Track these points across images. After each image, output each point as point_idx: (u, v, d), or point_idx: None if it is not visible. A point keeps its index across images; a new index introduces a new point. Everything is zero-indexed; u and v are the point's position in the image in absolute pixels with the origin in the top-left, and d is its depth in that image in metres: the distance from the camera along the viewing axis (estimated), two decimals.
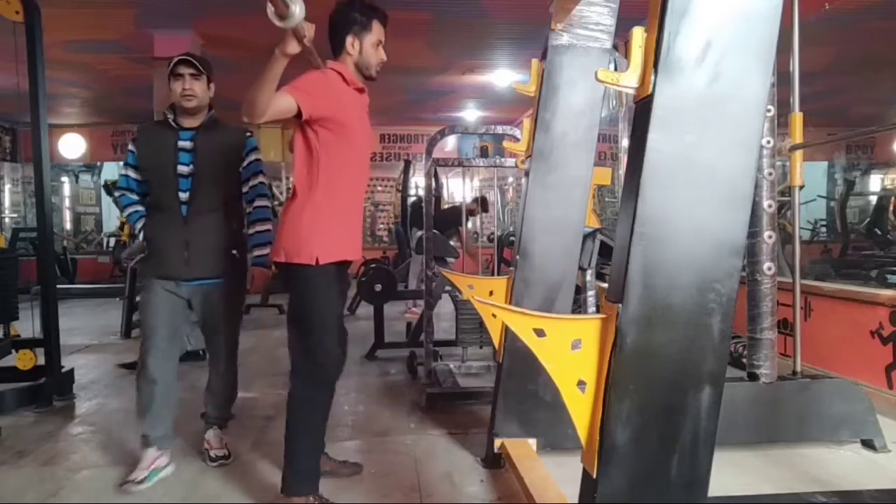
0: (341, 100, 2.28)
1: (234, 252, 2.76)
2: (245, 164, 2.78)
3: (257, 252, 2.77)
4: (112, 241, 10.52)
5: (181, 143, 2.66)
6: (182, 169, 2.65)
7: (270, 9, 1.73)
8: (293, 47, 1.93)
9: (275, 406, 3.69)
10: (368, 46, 2.35)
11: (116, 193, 2.88)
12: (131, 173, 2.78)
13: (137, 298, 2.83)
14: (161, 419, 2.66)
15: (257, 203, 2.79)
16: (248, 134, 2.82)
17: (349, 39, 2.33)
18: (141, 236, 2.78)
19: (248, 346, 5.58)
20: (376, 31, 2.36)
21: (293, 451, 2.32)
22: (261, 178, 2.82)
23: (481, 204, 7.03)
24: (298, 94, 2.12)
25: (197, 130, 2.69)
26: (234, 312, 2.87)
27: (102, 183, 11.18)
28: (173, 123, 2.69)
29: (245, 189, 2.78)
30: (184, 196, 2.65)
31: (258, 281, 2.84)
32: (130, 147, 2.77)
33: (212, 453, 2.82)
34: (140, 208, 2.77)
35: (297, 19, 1.78)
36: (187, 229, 2.64)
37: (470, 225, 8.86)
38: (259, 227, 2.79)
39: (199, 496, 2.53)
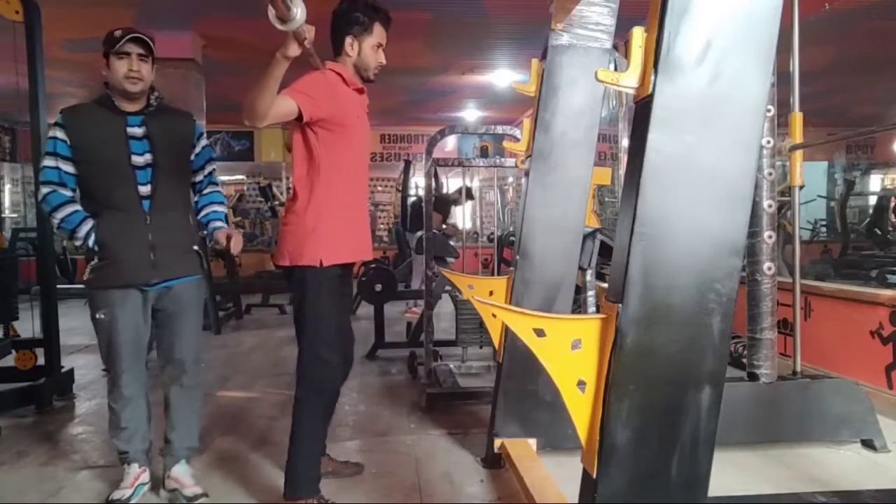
0: (341, 101, 2.28)
1: (196, 248, 2.52)
2: (197, 151, 2.52)
3: (214, 225, 2.51)
4: None
5: (130, 130, 2.33)
6: (137, 160, 2.33)
7: (272, 12, 1.73)
8: (294, 50, 1.92)
9: (277, 406, 3.70)
10: (367, 49, 2.34)
11: (45, 190, 2.31)
12: (63, 165, 2.31)
13: (98, 315, 2.35)
14: (139, 435, 2.48)
15: (209, 189, 2.56)
16: (194, 118, 2.61)
17: (348, 41, 2.33)
18: (90, 242, 2.30)
19: (249, 346, 5.58)
20: (377, 34, 2.35)
21: (294, 455, 2.32)
22: (213, 166, 2.60)
23: (465, 194, 7.06)
24: (299, 96, 2.12)
25: (145, 115, 2.37)
26: (198, 314, 2.58)
27: None
28: (117, 107, 2.35)
29: (199, 178, 2.55)
30: (144, 190, 2.34)
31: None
32: (58, 134, 2.32)
33: (186, 492, 2.43)
34: (80, 208, 2.33)
35: (298, 22, 1.79)
36: (151, 228, 2.34)
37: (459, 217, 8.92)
38: (216, 207, 2.55)
39: (190, 479, 2.52)
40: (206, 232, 2.53)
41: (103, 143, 2.32)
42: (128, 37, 2.28)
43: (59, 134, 2.32)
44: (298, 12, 1.77)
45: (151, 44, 2.34)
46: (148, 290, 2.38)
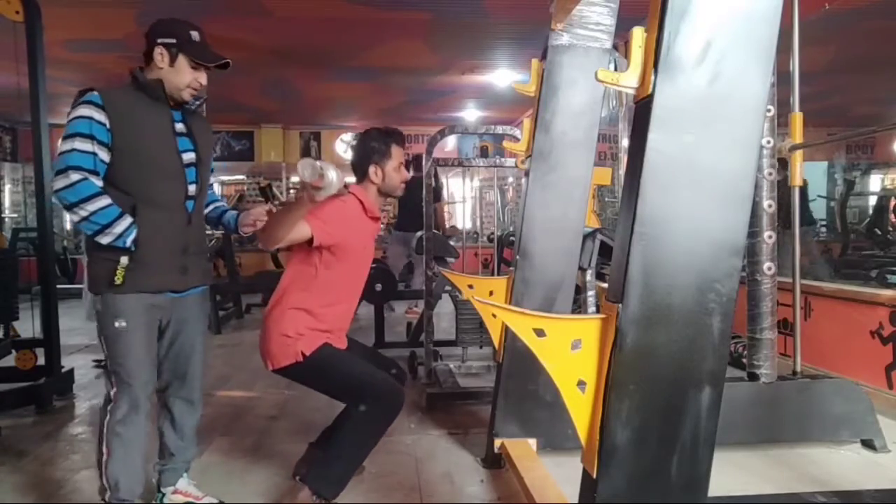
0: (354, 231, 2.37)
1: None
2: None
3: (231, 214, 2.46)
4: None
5: (177, 125, 2.18)
6: (186, 157, 2.18)
7: (308, 172, 1.88)
8: (322, 197, 2.02)
9: (277, 406, 3.70)
10: (391, 171, 2.45)
11: (75, 177, 1.98)
12: (101, 152, 2.03)
13: (118, 324, 2.08)
14: (141, 473, 2.18)
15: (220, 203, 2.52)
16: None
17: (372, 169, 2.43)
18: (128, 241, 2.03)
19: (249, 346, 5.58)
20: (396, 155, 2.46)
21: (340, 457, 2.29)
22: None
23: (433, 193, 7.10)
24: (316, 223, 2.21)
25: (183, 112, 2.22)
26: (206, 325, 2.45)
27: None
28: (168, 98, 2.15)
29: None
30: (192, 190, 2.20)
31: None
32: (95, 115, 2.02)
33: (204, 502, 2.37)
34: (113, 203, 2.04)
35: (333, 188, 1.93)
36: (190, 230, 2.21)
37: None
38: (220, 203, 2.50)
39: (196, 490, 2.52)
40: (224, 223, 2.45)
41: (152, 134, 2.11)
42: (221, 63, 2.15)
43: (98, 115, 2.02)
44: (333, 177, 1.91)
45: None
46: (175, 297, 2.20)
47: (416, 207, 4.66)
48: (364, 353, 2.58)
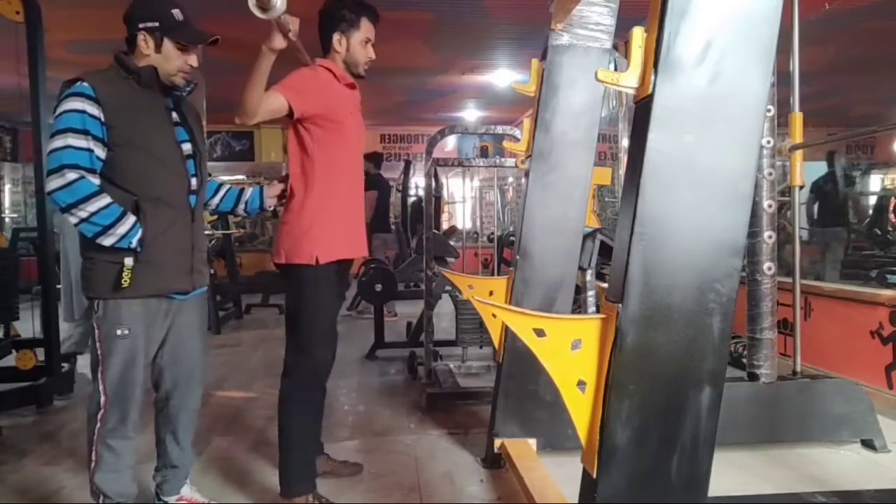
0: (332, 96, 2.28)
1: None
2: None
3: (249, 193, 2.40)
4: None
5: (172, 115, 2.06)
6: (185, 148, 2.06)
7: (251, 0, 1.71)
8: (279, 41, 1.92)
9: (276, 406, 3.68)
10: (356, 44, 2.33)
11: (71, 175, 1.84)
12: (96, 148, 1.90)
13: (120, 331, 1.98)
14: (133, 480, 2.13)
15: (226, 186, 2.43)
16: None
17: (336, 37, 2.32)
18: (133, 241, 1.91)
19: (249, 346, 5.58)
20: (365, 29, 2.34)
21: (287, 452, 2.33)
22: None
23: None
24: (289, 92, 2.12)
25: (174, 99, 2.08)
26: (205, 328, 2.34)
27: None
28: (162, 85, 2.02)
29: None
30: (194, 184, 2.08)
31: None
32: (88, 108, 1.87)
33: None
34: (114, 202, 1.91)
35: (278, 10, 1.75)
36: (194, 227, 2.09)
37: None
38: (226, 188, 2.43)
39: (200, 496, 2.52)
40: (248, 202, 2.39)
41: (150, 125, 1.99)
42: (208, 41, 2.03)
43: (91, 108, 1.88)
44: (278, 1, 1.74)
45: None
46: (180, 299, 2.09)
47: (385, 210, 4.69)
48: (339, 300, 2.56)
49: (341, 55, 2.34)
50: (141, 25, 1.98)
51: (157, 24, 1.97)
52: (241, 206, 2.42)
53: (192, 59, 2.03)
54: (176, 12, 1.99)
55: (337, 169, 2.30)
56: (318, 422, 2.48)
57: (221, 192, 2.41)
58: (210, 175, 2.38)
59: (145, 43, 1.98)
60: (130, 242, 1.92)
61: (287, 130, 2.31)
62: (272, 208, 2.39)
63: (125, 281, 1.91)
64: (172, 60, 1.99)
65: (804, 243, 9.50)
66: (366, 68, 2.40)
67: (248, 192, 2.43)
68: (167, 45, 1.98)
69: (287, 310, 2.39)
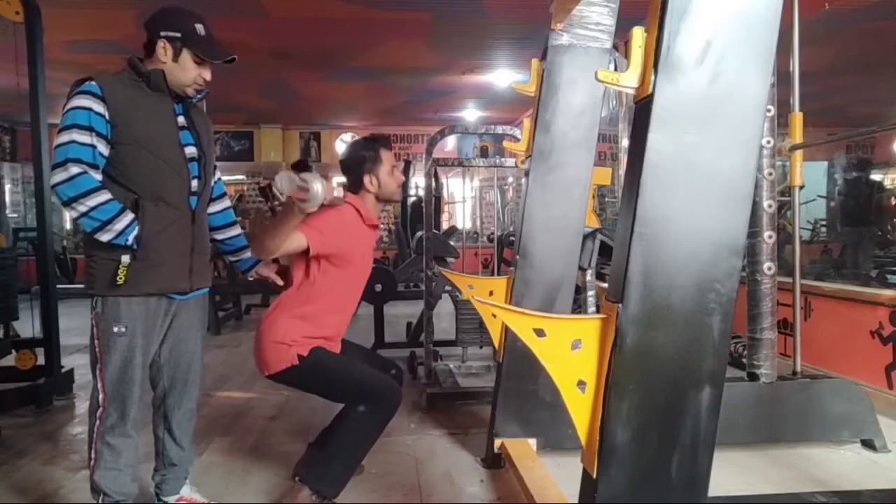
0: (352, 239, 2.36)
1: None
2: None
3: (247, 254, 2.43)
4: None
5: (178, 118, 2.10)
6: (188, 151, 2.09)
7: (297, 205, 1.87)
8: (312, 209, 2.00)
9: (276, 407, 3.70)
10: (385, 177, 2.43)
11: (75, 170, 1.88)
12: (100, 145, 1.93)
13: (117, 328, 2.01)
14: (135, 478, 2.14)
15: (221, 205, 2.40)
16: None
17: (367, 179, 2.42)
18: (130, 238, 1.93)
19: (248, 347, 5.57)
20: (387, 159, 2.44)
21: (338, 456, 2.29)
22: (219, 172, 2.40)
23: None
24: (311, 232, 2.18)
25: (184, 105, 2.13)
26: (204, 329, 2.33)
27: None
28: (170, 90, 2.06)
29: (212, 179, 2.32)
30: (195, 186, 2.10)
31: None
32: (94, 106, 1.91)
33: None
34: (113, 198, 1.94)
35: (320, 199, 1.89)
36: (195, 228, 2.12)
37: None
38: (237, 230, 2.45)
39: (200, 496, 2.52)
40: (236, 261, 2.45)
41: (154, 126, 2.01)
42: (226, 59, 2.06)
43: (96, 106, 1.91)
44: (318, 188, 1.87)
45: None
46: (179, 299, 2.12)
47: None
48: (361, 355, 2.57)
49: (373, 193, 2.43)
50: (163, 34, 2.00)
51: (178, 34, 2.00)
52: (234, 258, 2.46)
53: (207, 73, 2.07)
54: (199, 27, 2.03)
55: (329, 295, 2.34)
56: (374, 442, 2.41)
57: (230, 233, 2.42)
58: (226, 195, 2.43)
59: (164, 50, 2.00)
60: (127, 239, 1.93)
61: (295, 254, 2.32)
62: (252, 279, 2.45)
63: (120, 278, 1.93)
64: (188, 72, 2.02)
65: (824, 241, 9.64)
66: (400, 192, 2.52)
67: (248, 252, 2.43)
68: (185, 56, 2.01)
69: (324, 396, 2.44)
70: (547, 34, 2.61)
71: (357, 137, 2.52)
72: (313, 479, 2.27)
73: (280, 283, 2.39)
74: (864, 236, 7.80)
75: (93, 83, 1.95)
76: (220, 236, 2.40)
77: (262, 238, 2.10)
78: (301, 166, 7.32)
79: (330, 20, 5.70)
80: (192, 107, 2.17)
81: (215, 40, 2.08)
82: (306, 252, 2.21)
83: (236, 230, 2.44)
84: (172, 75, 2.02)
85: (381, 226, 12.30)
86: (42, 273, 3.89)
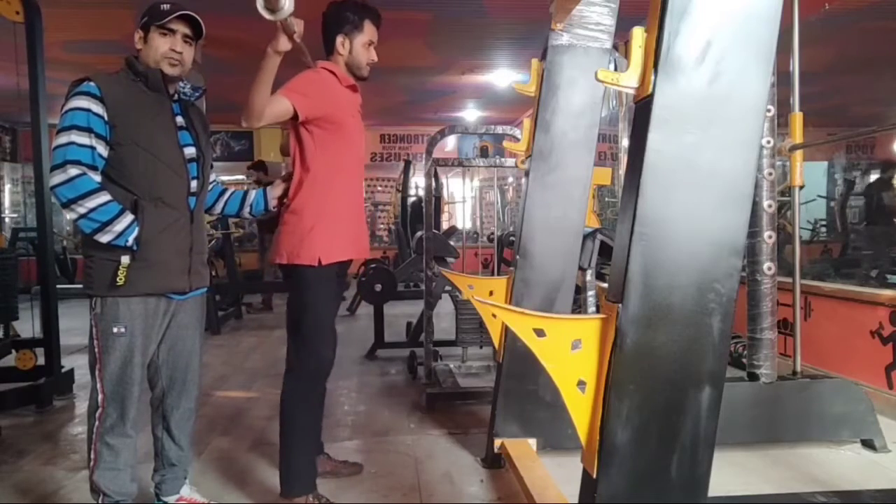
0: (335, 98, 2.29)
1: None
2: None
3: (253, 195, 2.43)
4: None
5: (177, 119, 2.10)
6: (188, 152, 2.10)
7: (260, 1, 1.72)
8: (284, 44, 1.93)
9: (276, 406, 3.65)
10: (359, 46, 2.35)
11: (73, 171, 1.88)
12: (98, 146, 1.93)
13: (116, 329, 2.01)
14: (133, 477, 2.13)
15: (212, 179, 2.38)
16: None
17: (339, 39, 2.34)
18: (129, 239, 1.93)
19: (249, 346, 5.58)
20: (368, 32, 2.36)
21: (287, 452, 2.34)
22: (215, 173, 2.41)
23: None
24: (294, 95, 2.13)
25: (182, 105, 2.14)
26: (203, 330, 2.33)
27: None
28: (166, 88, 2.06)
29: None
30: (194, 186, 2.11)
31: (278, 189, 2.40)
32: (92, 107, 1.92)
33: None
34: (113, 199, 1.94)
35: (286, 12, 1.77)
36: (193, 228, 2.12)
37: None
38: (230, 191, 2.45)
39: (199, 496, 2.52)
40: (252, 205, 2.41)
41: (153, 126, 2.02)
42: (176, 13, 2.00)
43: (95, 107, 1.92)
44: (286, 2, 1.75)
45: (202, 25, 2.07)
46: (178, 299, 2.12)
47: None
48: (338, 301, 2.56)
49: (344, 57, 2.36)
50: (138, 25, 2.04)
51: (146, 18, 2.03)
52: (247, 209, 2.43)
53: (178, 44, 2.03)
54: (165, 6, 2.02)
55: (338, 169, 2.30)
56: (319, 421, 2.48)
57: (226, 196, 2.43)
58: (214, 181, 2.40)
59: (139, 38, 2.03)
60: (127, 240, 1.94)
61: (290, 135, 2.31)
62: (276, 208, 2.40)
63: (120, 279, 1.94)
64: (158, 47, 2.01)
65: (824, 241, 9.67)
66: (368, 70, 2.41)
67: (252, 194, 2.45)
68: (152, 33, 2.02)
69: (289, 309, 2.38)
70: (547, 34, 2.61)
71: None
72: (284, 487, 2.33)
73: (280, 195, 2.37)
74: (881, 234, 7.93)
75: (91, 83, 1.95)
76: (221, 204, 2.41)
77: (247, 100, 2.02)
78: (259, 167, 7.28)
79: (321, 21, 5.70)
80: (190, 106, 2.18)
81: (176, 8, 2.03)
82: (296, 120, 2.17)
83: (229, 191, 2.44)
84: (146, 57, 2.03)
85: (381, 226, 12.33)
86: (42, 273, 3.89)
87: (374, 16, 2.38)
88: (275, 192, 2.40)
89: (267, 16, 1.77)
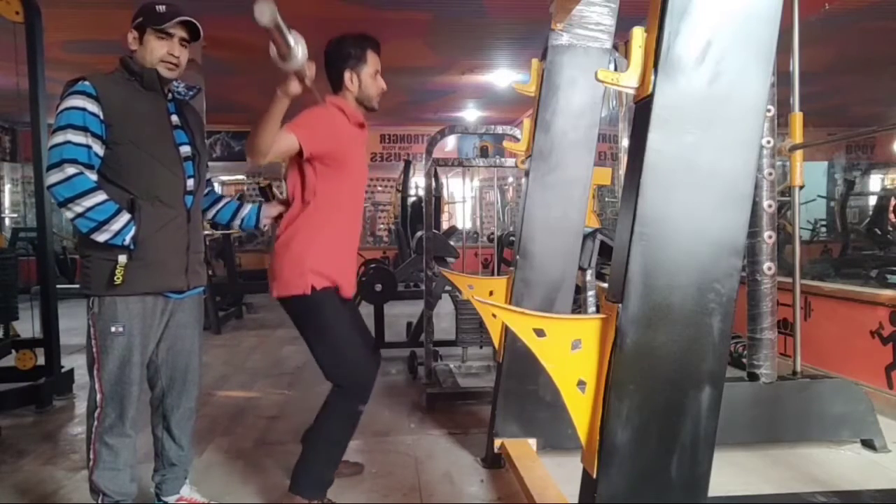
0: (341, 136, 2.29)
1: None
2: None
3: (247, 210, 2.43)
4: None
5: (172, 117, 2.10)
6: (183, 150, 2.10)
7: (273, 50, 1.74)
8: (295, 88, 1.95)
9: (277, 406, 3.70)
10: (367, 78, 2.35)
11: (71, 170, 1.88)
12: (95, 145, 1.93)
13: (115, 328, 2.00)
14: (134, 477, 2.13)
15: (208, 187, 2.37)
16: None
17: (347, 75, 2.33)
18: (127, 238, 1.93)
19: (249, 346, 5.58)
20: (372, 62, 2.36)
21: (315, 456, 2.30)
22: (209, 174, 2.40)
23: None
24: (300, 131, 2.14)
25: (177, 104, 2.14)
26: (201, 329, 2.33)
27: None
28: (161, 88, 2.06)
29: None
30: (191, 185, 2.11)
31: (271, 209, 2.39)
32: (88, 106, 1.91)
33: None
34: (110, 198, 1.94)
35: (299, 62, 1.80)
36: (190, 227, 2.12)
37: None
38: (226, 199, 2.44)
39: (200, 496, 2.53)
40: (241, 221, 2.41)
41: (149, 125, 2.02)
42: (176, 19, 1.99)
43: (91, 106, 1.91)
44: (300, 51, 1.77)
45: (199, 28, 2.07)
46: (176, 298, 2.12)
47: None
48: (359, 326, 2.52)
49: (353, 92, 2.35)
50: (133, 25, 2.03)
51: (141, 19, 2.01)
52: (237, 221, 2.43)
53: (175, 48, 2.03)
54: (160, 7, 2.01)
55: (335, 206, 2.30)
56: (351, 435, 2.40)
57: (220, 205, 2.42)
58: (210, 180, 2.39)
59: (133, 40, 2.03)
60: (124, 240, 1.93)
61: (289, 165, 2.30)
62: (266, 228, 2.41)
63: (118, 278, 1.94)
64: (155, 51, 2.01)
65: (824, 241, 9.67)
66: (379, 100, 2.42)
67: (247, 208, 2.44)
68: (148, 35, 2.01)
69: (307, 341, 2.36)
70: (547, 34, 2.61)
71: (345, 34, 2.38)
72: (295, 485, 2.29)
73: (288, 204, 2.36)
74: None
75: (86, 83, 1.95)
76: (214, 210, 2.40)
77: (251, 137, 2.03)
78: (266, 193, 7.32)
79: (330, 20, 5.70)
80: (184, 105, 2.18)
81: (174, 13, 2.02)
82: (300, 157, 2.17)
83: (224, 199, 2.44)
84: (142, 59, 2.02)
85: (381, 226, 12.33)
86: (42, 273, 3.89)
87: (375, 45, 2.38)
88: (269, 211, 2.40)
89: (280, 65, 1.79)
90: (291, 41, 1.75)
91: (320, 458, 2.30)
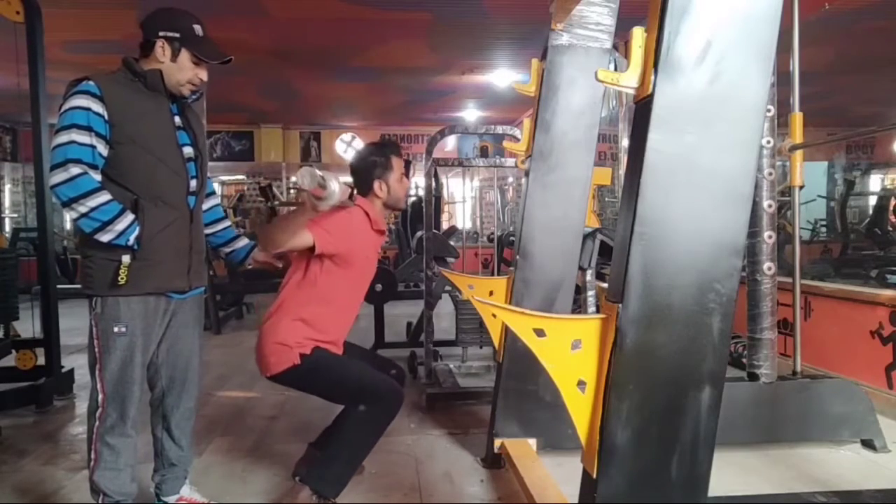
0: (358, 242, 2.36)
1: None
2: None
3: (241, 244, 2.44)
4: None
5: (175, 119, 2.11)
6: (186, 151, 2.11)
7: (310, 201, 1.93)
8: (324, 207, 2.07)
9: (277, 406, 3.70)
10: (394, 183, 2.45)
11: (75, 170, 1.86)
12: (99, 145, 1.92)
13: (117, 328, 2.00)
14: (133, 477, 2.12)
15: (212, 202, 2.39)
16: None
17: (377, 184, 2.43)
18: (130, 238, 1.93)
19: (249, 346, 5.57)
20: (396, 166, 2.46)
21: (339, 456, 2.29)
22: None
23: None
24: (319, 231, 2.19)
25: (179, 104, 2.15)
26: (201, 329, 2.33)
27: None
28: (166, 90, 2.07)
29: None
30: (193, 185, 2.12)
31: (267, 258, 2.40)
32: (93, 106, 1.90)
33: None
34: (113, 198, 1.93)
35: (336, 197, 1.98)
36: (193, 227, 2.13)
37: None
38: (227, 223, 2.45)
39: (200, 496, 2.53)
40: (230, 252, 2.42)
41: (153, 126, 2.02)
42: (223, 60, 2.08)
43: (95, 106, 1.90)
44: (335, 187, 1.95)
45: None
46: (177, 298, 2.12)
47: None
48: (362, 355, 2.57)
49: (382, 199, 2.44)
50: (161, 34, 2.02)
51: (177, 34, 2.02)
52: (227, 249, 2.44)
53: (203, 74, 2.08)
54: (197, 28, 2.05)
55: (331, 300, 2.33)
56: (376, 442, 2.40)
57: (219, 227, 2.41)
58: (216, 204, 2.42)
59: (162, 50, 2.02)
60: (128, 240, 1.93)
61: (296, 252, 2.31)
62: (250, 266, 2.45)
63: (122, 279, 1.93)
64: (185, 72, 2.04)
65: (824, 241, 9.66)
66: (405, 199, 2.54)
67: (241, 242, 2.44)
68: (183, 56, 2.03)
69: (326, 397, 2.42)
70: (547, 34, 2.61)
71: (366, 142, 2.54)
72: (314, 479, 2.27)
73: (279, 265, 2.40)
74: None
75: (90, 83, 1.94)
76: (210, 230, 2.39)
77: (271, 232, 2.18)
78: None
79: (330, 20, 5.70)
80: (186, 107, 2.18)
81: (212, 41, 2.10)
82: (311, 250, 2.21)
83: (226, 223, 2.45)
84: (170, 75, 2.03)
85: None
86: (42, 273, 3.89)
87: (396, 149, 2.50)
88: (260, 257, 2.41)
89: (321, 207, 2.03)
90: (329, 185, 1.93)
91: (343, 458, 2.29)
